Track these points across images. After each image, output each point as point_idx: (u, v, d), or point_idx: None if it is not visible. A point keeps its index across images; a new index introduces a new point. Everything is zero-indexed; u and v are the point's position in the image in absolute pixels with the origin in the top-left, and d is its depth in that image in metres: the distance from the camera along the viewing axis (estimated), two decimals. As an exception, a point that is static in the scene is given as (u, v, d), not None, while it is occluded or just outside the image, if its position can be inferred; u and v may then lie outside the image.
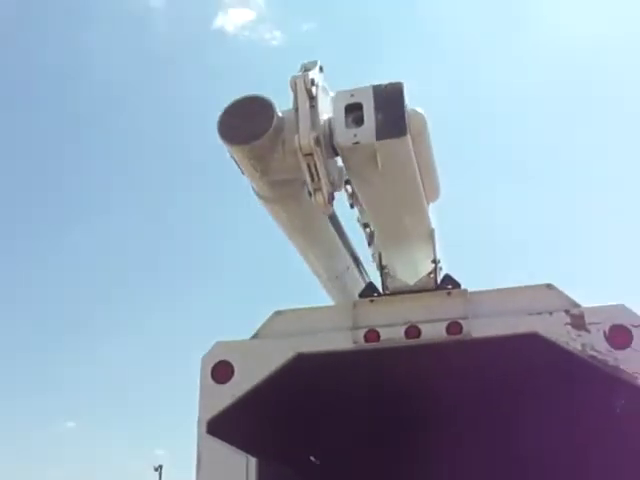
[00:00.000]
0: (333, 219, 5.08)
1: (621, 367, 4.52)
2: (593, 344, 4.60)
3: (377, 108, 4.21)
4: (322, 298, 6.11)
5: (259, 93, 4.36)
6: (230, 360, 5.00)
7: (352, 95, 4.30)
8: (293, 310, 5.15)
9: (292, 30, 23.30)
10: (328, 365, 4.98)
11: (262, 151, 4.28)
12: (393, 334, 4.86)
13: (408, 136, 4.17)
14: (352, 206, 4.93)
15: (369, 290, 5.25)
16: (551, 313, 4.71)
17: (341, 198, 4.92)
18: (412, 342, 4.83)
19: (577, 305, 4.76)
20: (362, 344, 4.87)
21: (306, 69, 4.26)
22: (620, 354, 4.55)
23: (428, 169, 4.62)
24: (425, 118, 4.40)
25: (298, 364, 4.89)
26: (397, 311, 4.96)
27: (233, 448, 4.82)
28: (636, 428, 4.47)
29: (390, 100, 4.23)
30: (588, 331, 4.64)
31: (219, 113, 4.32)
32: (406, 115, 4.21)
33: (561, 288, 4.85)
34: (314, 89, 4.17)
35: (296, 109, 4.12)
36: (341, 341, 4.91)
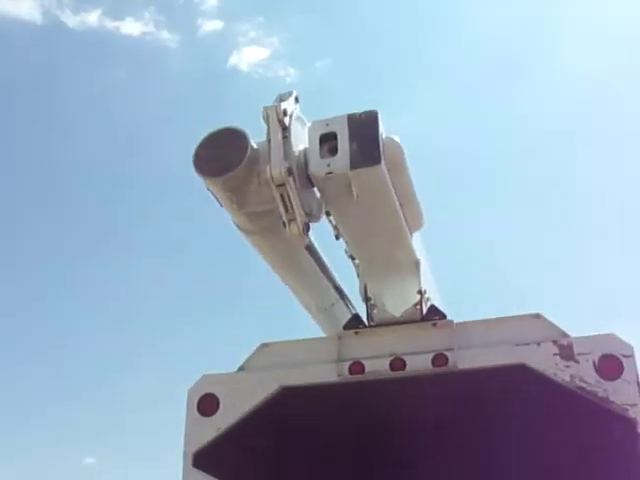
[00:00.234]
0: (312, 251, 5.04)
1: (611, 399, 4.37)
2: (582, 375, 4.46)
3: (351, 137, 4.19)
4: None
5: (234, 125, 4.38)
6: (215, 393, 4.96)
7: (327, 124, 4.29)
8: (279, 342, 5.10)
9: (306, 67, 23.46)
10: (313, 398, 4.91)
11: (237, 183, 4.27)
12: (378, 366, 4.79)
13: (382, 164, 4.14)
14: (337, 237, 4.89)
15: (354, 322, 5.18)
16: (539, 344, 4.59)
17: (328, 229, 4.93)
18: (397, 374, 4.74)
19: (566, 335, 4.63)
20: (347, 376, 4.80)
21: (281, 99, 4.27)
22: (610, 385, 4.40)
23: (408, 198, 4.57)
24: (401, 146, 4.37)
25: (282, 397, 4.83)
26: (382, 343, 4.88)
27: None
28: (626, 460, 4.31)
29: (364, 129, 4.21)
30: (577, 362, 4.51)
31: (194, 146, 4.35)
32: (381, 143, 4.19)
33: (550, 318, 4.74)
34: (287, 119, 4.16)
35: (269, 140, 4.13)
36: (326, 374, 4.85)
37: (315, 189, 4.36)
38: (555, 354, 4.54)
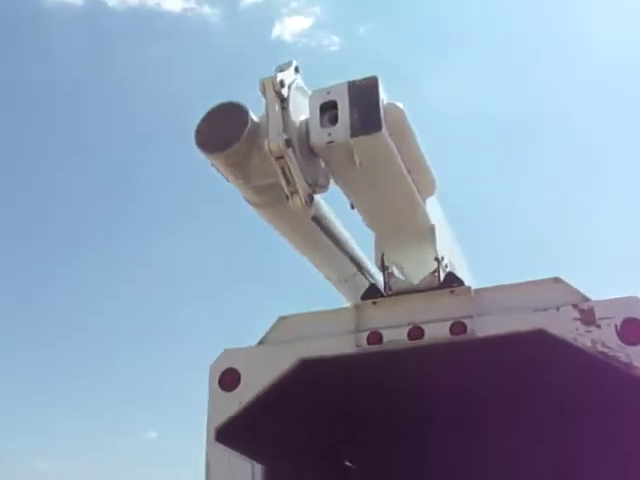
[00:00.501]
0: (321, 222, 4.97)
1: (634, 364, 4.19)
2: (604, 340, 4.29)
3: (352, 105, 4.11)
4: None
5: (234, 100, 4.34)
6: (237, 367, 4.98)
7: (328, 93, 4.22)
8: (297, 315, 5.08)
9: (350, 34, 23.03)
10: (332, 369, 4.90)
11: (238, 157, 4.24)
12: (396, 336, 4.72)
13: (384, 131, 4.04)
14: (352, 207, 4.82)
15: (372, 292, 5.09)
16: (558, 308, 4.44)
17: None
18: (415, 343, 4.67)
19: (586, 299, 4.45)
20: (365, 347, 4.75)
21: (281, 70, 4.20)
22: (633, 350, 4.22)
23: (416, 163, 4.46)
24: (404, 112, 4.25)
25: (302, 369, 4.83)
26: (399, 312, 4.80)
27: (240, 455, 4.81)
28: None
29: (364, 96, 4.12)
30: (598, 326, 4.34)
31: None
32: (382, 110, 4.09)
33: (569, 281, 4.57)
34: (285, 90, 4.10)
35: (267, 113, 4.08)
36: (344, 345, 4.81)
37: (320, 159, 4.31)
38: (575, 319, 4.38)
